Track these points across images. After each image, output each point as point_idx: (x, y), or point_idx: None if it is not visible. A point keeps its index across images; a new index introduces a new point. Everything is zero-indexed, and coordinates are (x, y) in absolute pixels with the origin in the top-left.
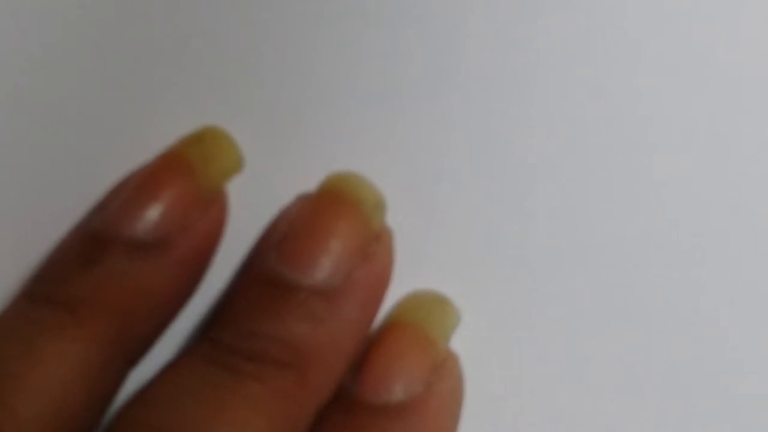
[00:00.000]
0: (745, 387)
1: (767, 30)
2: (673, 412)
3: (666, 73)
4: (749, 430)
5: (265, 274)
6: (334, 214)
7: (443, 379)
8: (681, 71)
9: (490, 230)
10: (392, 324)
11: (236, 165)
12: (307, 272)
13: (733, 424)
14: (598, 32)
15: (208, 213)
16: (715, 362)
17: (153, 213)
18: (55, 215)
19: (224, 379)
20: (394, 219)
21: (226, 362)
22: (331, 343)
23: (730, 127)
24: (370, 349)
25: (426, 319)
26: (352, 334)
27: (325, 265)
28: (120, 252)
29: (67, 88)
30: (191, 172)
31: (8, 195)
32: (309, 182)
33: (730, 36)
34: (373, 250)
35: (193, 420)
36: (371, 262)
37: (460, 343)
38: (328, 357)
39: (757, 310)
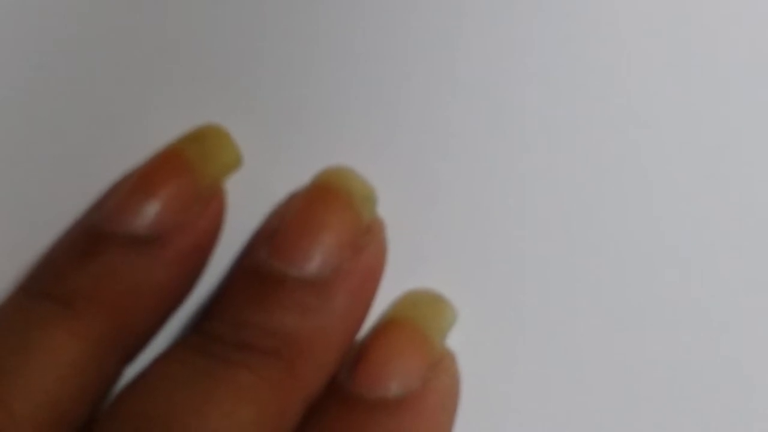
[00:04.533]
0: (744, 387)
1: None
2: (671, 412)
3: (666, 74)
4: (748, 430)
5: (257, 267)
6: (324, 207)
7: (439, 377)
8: (681, 72)
9: (487, 228)
10: (389, 321)
11: (235, 162)
12: (298, 264)
13: (732, 424)
14: (597, 33)
15: (207, 210)
16: (714, 362)
17: (151, 209)
18: (54, 213)
19: (213, 368)
20: (392, 217)
21: (216, 352)
22: (321, 334)
23: (728, 128)
24: (366, 346)
25: (423, 317)
26: (342, 325)
27: (315, 257)
28: (117, 248)
29: (67, 87)
30: (190, 169)
31: (8, 194)
32: (307, 179)
33: (729, 36)
34: (364, 242)
35: (182, 409)
36: (362, 254)
37: (456, 341)
38: (318, 348)
39: (756, 309)
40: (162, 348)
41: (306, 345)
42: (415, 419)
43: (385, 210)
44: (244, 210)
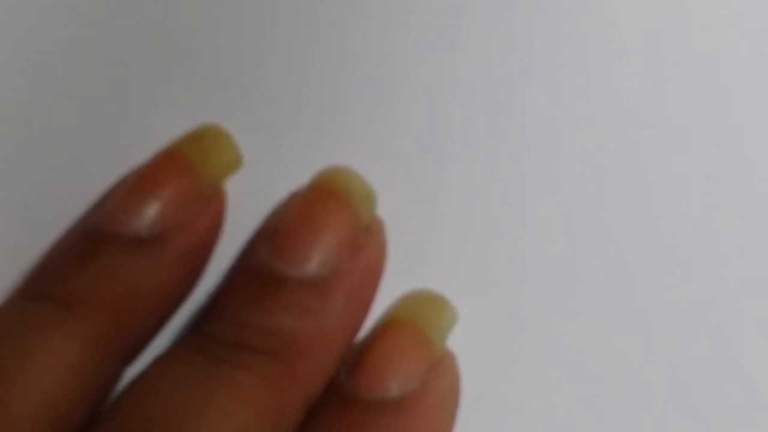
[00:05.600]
0: (744, 387)
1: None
2: (671, 412)
3: (666, 74)
4: (748, 430)
5: (256, 268)
6: (324, 207)
7: (439, 377)
8: (681, 72)
9: (487, 228)
10: (389, 322)
11: (235, 162)
12: (297, 264)
13: (732, 424)
14: (597, 33)
15: (207, 210)
16: (714, 362)
17: (151, 210)
18: (54, 213)
19: (213, 369)
20: (391, 217)
21: (215, 353)
22: (321, 334)
23: (728, 128)
24: (366, 346)
25: (423, 317)
26: (342, 326)
27: (314, 257)
28: (117, 249)
29: (67, 87)
30: (190, 169)
31: (8, 194)
32: (307, 179)
33: (729, 36)
34: (363, 241)
35: (181, 409)
36: (361, 254)
37: (456, 341)
38: (317, 348)
39: (756, 309)
40: (162, 348)
41: (305, 345)
42: (415, 419)
43: (385, 210)
44: (244, 210)
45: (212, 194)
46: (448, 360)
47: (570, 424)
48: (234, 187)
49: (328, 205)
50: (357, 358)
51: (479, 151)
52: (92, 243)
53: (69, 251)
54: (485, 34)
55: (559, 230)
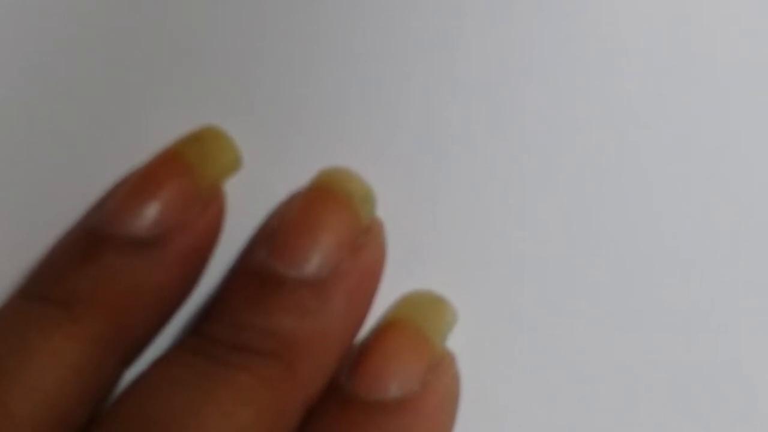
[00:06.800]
0: (744, 387)
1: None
2: (671, 413)
3: (666, 74)
4: (749, 430)
5: (256, 268)
6: (323, 207)
7: (439, 378)
8: (681, 72)
9: (487, 229)
10: (389, 323)
11: (234, 164)
12: (296, 265)
13: (732, 424)
14: (597, 33)
15: (206, 211)
16: (714, 363)
17: (150, 211)
18: (54, 214)
19: (212, 370)
20: (391, 218)
21: (215, 354)
22: (320, 335)
23: (728, 128)
24: (366, 347)
25: (423, 318)
26: (341, 327)
27: (314, 258)
28: (117, 249)
29: (67, 87)
30: (189, 170)
31: (8, 194)
32: (307, 180)
33: (729, 36)
34: (363, 242)
35: (181, 410)
36: (360, 254)
37: (456, 341)
38: (317, 349)
39: (755, 310)
40: (161, 350)
41: (305, 346)
42: (415, 420)
43: (385, 210)
44: (244, 211)
45: (212, 195)
46: (448, 360)
47: (570, 424)
48: (234, 188)
49: (328, 206)
50: (357, 358)
51: (479, 151)
52: (92, 243)
53: (69, 251)
54: (485, 34)
55: (559, 231)
